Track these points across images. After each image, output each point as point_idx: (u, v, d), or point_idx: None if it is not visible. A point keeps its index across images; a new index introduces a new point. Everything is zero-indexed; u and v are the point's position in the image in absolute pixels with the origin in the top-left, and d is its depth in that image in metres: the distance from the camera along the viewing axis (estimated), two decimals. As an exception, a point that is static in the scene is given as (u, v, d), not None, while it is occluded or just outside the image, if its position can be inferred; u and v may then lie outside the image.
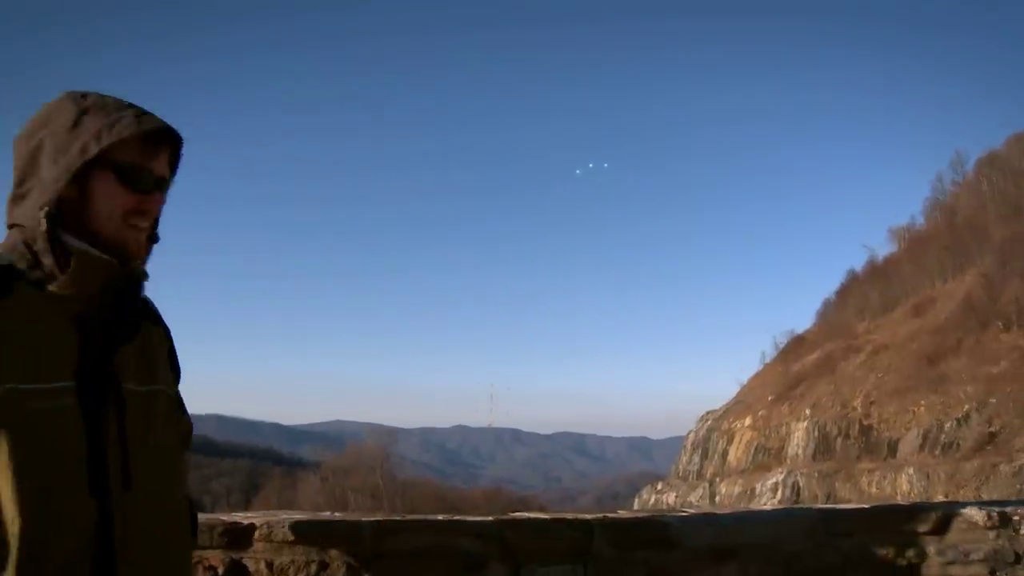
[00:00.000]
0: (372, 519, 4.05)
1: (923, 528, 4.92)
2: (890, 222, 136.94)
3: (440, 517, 4.44)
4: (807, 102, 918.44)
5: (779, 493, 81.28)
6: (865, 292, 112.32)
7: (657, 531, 4.54)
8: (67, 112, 2.28)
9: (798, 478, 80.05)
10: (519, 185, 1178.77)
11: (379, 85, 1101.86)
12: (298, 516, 4.04)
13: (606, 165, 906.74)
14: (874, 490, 68.98)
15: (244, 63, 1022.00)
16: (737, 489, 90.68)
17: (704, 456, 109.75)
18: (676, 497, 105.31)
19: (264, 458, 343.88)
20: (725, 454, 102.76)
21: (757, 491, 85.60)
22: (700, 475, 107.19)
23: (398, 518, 4.33)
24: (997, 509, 5.00)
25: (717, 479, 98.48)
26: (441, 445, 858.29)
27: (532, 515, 4.75)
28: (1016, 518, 4.95)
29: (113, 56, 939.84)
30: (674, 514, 4.89)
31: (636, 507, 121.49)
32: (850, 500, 71.07)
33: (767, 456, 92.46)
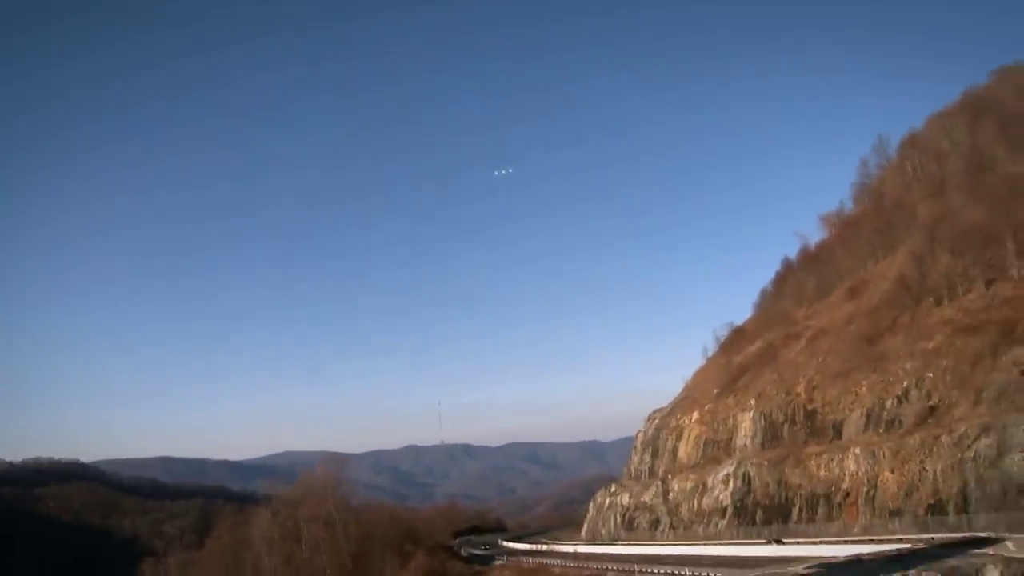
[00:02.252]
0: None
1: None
2: (820, 209, 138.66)
3: None
4: (731, 96, 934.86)
5: (731, 484, 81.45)
6: (801, 279, 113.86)
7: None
8: None
9: (748, 468, 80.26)
10: (445, 200, 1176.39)
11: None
12: None
13: (511, 170, 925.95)
14: (823, 473, 69.39)
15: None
16: (689, 484, 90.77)
17: (655, 455, 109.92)
18: (630, 498, 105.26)
19: (215, 496, 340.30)
20: (675, 451, 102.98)
21: (709, 484, 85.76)
22: (652, 474, 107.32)
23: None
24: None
25: (669, 476, 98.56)
26: (394, 467, 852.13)
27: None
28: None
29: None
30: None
31: (591, 511, 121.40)
32: (800, 485, 71.63)
33: (716, 449, 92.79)
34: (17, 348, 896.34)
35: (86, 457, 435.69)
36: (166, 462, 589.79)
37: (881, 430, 66.27)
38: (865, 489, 62.53)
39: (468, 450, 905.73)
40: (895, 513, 58.22)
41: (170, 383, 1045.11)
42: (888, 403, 67.13)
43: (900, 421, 64.61)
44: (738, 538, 73.44)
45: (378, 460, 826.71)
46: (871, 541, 50.94)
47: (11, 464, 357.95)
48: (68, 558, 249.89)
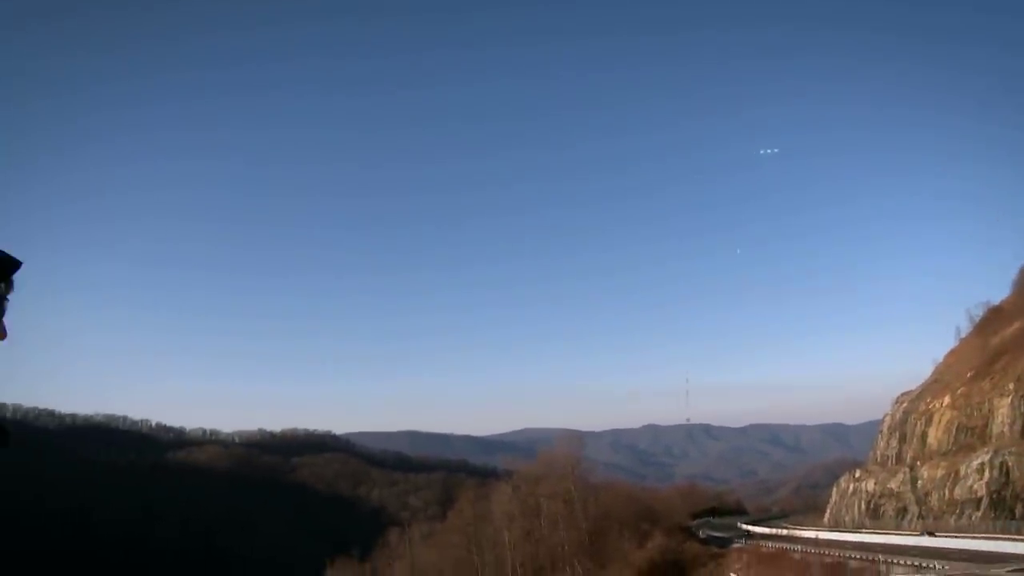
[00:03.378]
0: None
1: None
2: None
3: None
4: (994, 70, 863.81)
5: (986, 474, 77.07)
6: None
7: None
8: None
9: (1006, 458, 75.64)
10: (701, 176, 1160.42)
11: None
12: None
13: (777, 150, 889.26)
14: (1093, 467, 64.62)
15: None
16: (940, 473, 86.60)
17: (902, 440, 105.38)
18: (875, 484, 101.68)
19: (457, 470, 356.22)
20: (924, 436, 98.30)
21: (961, 473, 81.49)
22: (899, 459, 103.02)
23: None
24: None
25: (918, 463, 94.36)
26: (632, 445, 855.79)
27: None
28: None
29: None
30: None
31: (834, 497, 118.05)
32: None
33: (970, 436, 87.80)
34: (280, 323, 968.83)
35: (338, 429, 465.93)
36: (412, 436, 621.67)
37: None
38: None
39: (708, 430, 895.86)
40: None
41: (414, 360, 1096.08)
42: None
43: None
44: (994, 532, 69.50)
45: (616, 439, 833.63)
46: None
47: (271, 434, 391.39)
48: (319, 524, 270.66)
